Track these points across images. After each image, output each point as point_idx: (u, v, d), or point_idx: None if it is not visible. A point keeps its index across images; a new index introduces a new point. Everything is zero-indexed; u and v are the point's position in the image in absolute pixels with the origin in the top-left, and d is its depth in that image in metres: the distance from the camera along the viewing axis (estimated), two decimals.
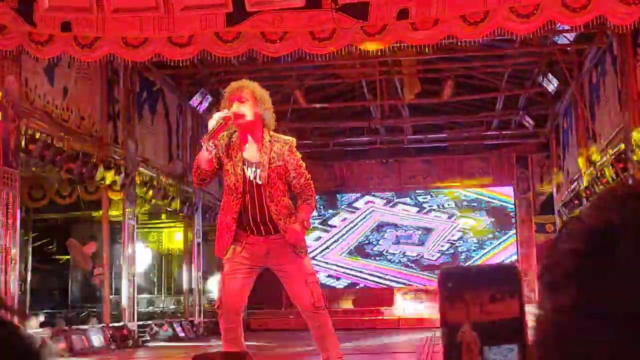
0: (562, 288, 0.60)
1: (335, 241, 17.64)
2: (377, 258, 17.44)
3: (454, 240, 17.33)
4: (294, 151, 4.55)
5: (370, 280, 17.39)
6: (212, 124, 4.34)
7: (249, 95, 4.46)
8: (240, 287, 4.41)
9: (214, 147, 4.37)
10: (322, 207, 17.43)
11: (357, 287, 17.39)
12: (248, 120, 4.43)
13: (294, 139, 4.63)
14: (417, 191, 17.56)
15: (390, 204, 17.62)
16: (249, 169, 4.44)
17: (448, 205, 17.47)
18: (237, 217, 4.43)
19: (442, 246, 17.35)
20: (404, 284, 17.08)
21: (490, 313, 0.63)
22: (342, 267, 17.50)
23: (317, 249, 17.25)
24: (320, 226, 17.53)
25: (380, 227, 17.57)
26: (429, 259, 17.24)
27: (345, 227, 17.69)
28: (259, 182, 4.42)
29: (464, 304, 0.64)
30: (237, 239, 4.44)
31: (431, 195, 17.54)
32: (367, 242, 17.58)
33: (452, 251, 17.25)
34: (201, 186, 4.55)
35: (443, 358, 0.64)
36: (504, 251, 17.15)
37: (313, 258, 17.02)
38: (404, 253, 17.36)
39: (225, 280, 4.42)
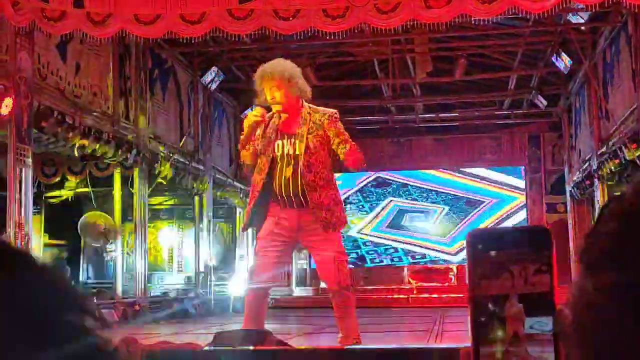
0: (602, 269, 0.60)
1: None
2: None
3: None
4: (335, 120, 4.63)
5: (380, 257, 17.43)
6: (246, 127, 4.43)
7: (279, 81, 4.48)
8: (274, 266, 4.43)
9: (251, 145, 4.43)
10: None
11: (368, 265, 17.44)
12: (287, 106, 4.52)
13: (336, 111, 4.69)
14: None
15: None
16: (287, 141, 4.47)
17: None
18: (273, 193, 4.46)
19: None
20: (415, 258, 17.11)
21: (526, 282, 0.62)
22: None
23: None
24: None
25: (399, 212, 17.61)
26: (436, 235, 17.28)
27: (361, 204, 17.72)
28: (297, 153, 4.45)
29: (501, 272, 0.62)
30: (272, 214, 4.46)
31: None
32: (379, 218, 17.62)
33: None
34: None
35: (472, 329, 0.63)
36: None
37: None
38: (417, 226, 17.40)
39: (258, 257, 4.43)
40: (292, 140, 4.48)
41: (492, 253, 0.62)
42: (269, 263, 4.41)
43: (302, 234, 4.49)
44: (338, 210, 4.52)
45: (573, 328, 0.61)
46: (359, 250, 17.49)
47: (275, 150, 4.47)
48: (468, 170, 17.41)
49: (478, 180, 17.38)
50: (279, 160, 4.46)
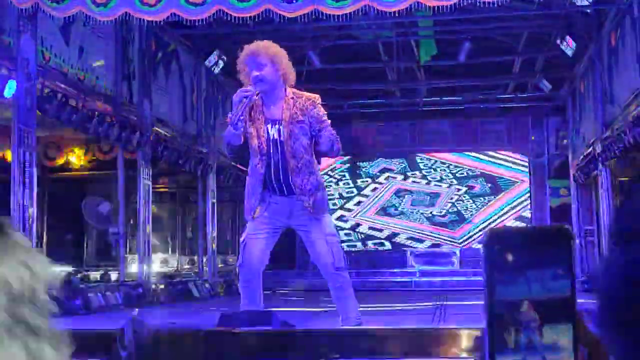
0: (635, 241, 0.58)
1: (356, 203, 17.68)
2: (396, 216, 17.44)
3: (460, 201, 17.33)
4: (318, 106, 4.56)
5: (384, 241, 17.45)
6: (236, 103, 4.33)
7: (266, 58, 4.44)
8: (262, 247, 4.49)
9: (241, 123, 4.37)
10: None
11: (372, 248, 17.46)
12: (269, 85, 4.44)
13: (318, 96, 4.62)
14: (426, 160, 17.49)
15: (403, 177, 17.60)
16: (272, 127, 4.47)
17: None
18: (263, 179, 4.47)
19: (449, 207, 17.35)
20: (420, 240, 17.13)
21: (544, 286, 0.60)
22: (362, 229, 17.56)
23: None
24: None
25: (397, 192, 17.58)
26: (439, 217, 17.27)
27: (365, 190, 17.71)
28: (281, 139, 4.44)
29: (517, 276, 0.60)
30: (262, 199, 4.49)
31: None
32: (386, 204, 17.61)
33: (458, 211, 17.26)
34: (236, 160, 4.63)
35: (488, 335, 0.61)
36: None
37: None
38: (418, 212, 17.37)
39: (247, 240, 4.48)
40: (277, 126, 4.47)
41: (510, 255, 0.60)
42: (259, 245, 4.46)
43: (293, 220, 4.56)
44: (323, 194, 4.59)
45: (603, 303, 0.60)
46: (359, 235, 17.53)
47: (265, 135, 4.47)
48: (472, 154, 17.38)
49: (481, 162, 17.35)
50: (268, 144, 4.47)
